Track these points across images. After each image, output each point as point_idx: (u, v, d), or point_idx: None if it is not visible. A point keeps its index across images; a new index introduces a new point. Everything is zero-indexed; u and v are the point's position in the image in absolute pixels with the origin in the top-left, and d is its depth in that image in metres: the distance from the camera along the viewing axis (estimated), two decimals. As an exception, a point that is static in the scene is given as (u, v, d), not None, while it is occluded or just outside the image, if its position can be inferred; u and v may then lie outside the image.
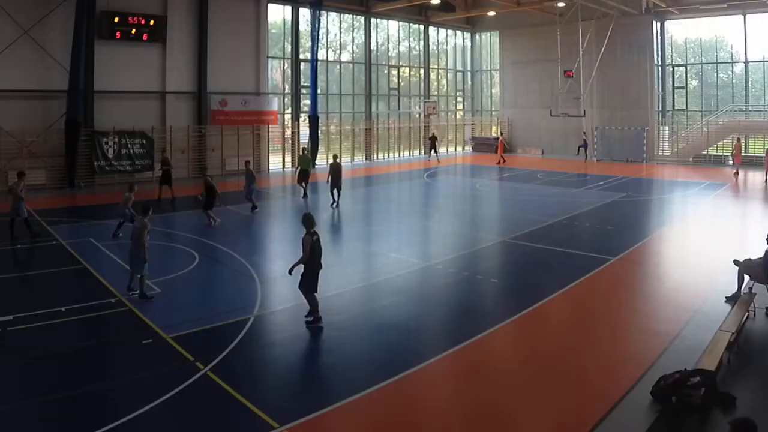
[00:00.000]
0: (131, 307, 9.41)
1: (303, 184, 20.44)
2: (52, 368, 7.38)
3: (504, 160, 31.59)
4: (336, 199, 18.68)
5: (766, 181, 23.89)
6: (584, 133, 33.11)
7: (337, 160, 19.34)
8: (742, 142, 27.96)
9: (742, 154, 27.26)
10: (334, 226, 16.78)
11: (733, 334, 7.57)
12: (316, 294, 8.82)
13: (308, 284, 8.76)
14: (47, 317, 8.87)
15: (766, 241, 9.30)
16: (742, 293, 9.37)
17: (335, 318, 9.29)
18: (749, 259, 9.75)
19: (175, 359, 7.59)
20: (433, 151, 33.13)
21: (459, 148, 40.15)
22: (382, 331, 8.74)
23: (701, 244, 14.51)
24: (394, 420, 6.33)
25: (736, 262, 9.79)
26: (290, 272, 8.81)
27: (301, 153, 22.32)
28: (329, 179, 18.69)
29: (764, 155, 25.67)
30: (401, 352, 7.96)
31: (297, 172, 21.37)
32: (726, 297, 9.61)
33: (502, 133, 37.03)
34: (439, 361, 7.69)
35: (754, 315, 8.98)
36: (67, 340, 8.35)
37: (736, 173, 25.88)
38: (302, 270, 8.77)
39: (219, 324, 8.78)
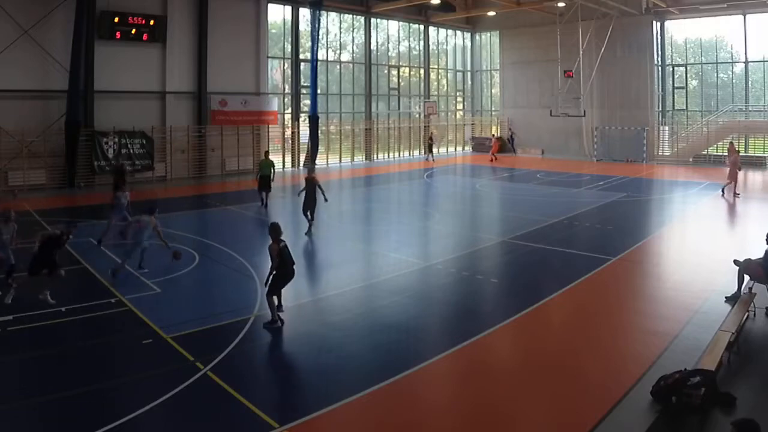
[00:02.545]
0: (131, 307, 9.41)
1: (263, 193, 18.62)
2: (52, 368, 7.39)
3: (494, 159, 32.49)
4: (309, 222, 15.19)
5: (728, 186, 20.96)
6: (510, 128, 35.46)
7: (313, 175, 15.80)
8: (735, 144, 27.84)
9: (740, 154, 27.21)
10: (333, 226, 16.74)
11: (733, 334, 7.57)
12: (275, 297, 8.90)
13: (271, 288, 8.80)
14: (47, 317, 8.88)
15: (765, 241, 9.30)
16: (742, 293, 9.37)
17: (335, 318, 9.30)
18: (749, 259, 9.75)
19: (175, 359, 7.58)
20: (431, 151, 33.38)
21: (459, 148, 40.17)
22: (382, 331, 8.74)
23: (701, 244, 14.51)
24: (395, 420, 6.32)
25: (736, 262, 9.78)
26: (266, 284, 8.85)
27: (263, 157, 19.70)
28: (303, 199, 15.48)
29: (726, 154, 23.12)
30: (401, 352, 7.96)
31: (257, 178, 19.02)
32: (726, 297, 9.61)
33: (494, 134, 37.52)
34: (439, 361, 7.69)
35: (754, 315, 8.98)
36: (67, 340, 8.34)
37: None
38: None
39: (219, 324, 8.78)
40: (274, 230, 8.95)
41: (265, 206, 18.70)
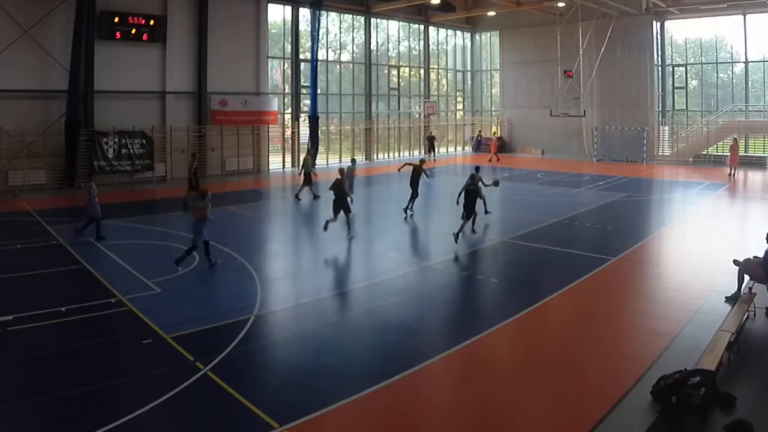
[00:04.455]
0: (131, 307, 9.41)
1: (307, 186, 20.39)
2: (52, 368, 7.38)
3: (497, 159, 32.74)
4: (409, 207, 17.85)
5: (730, 174, 25.52)
6: (479, 134, 38.63)
7: (423, 166, 18.70)
8: (740, 142, 27.92)
9: (740, 154, 27.27)
10: (334, 227, 16.71)
11: (733, 334, 7.57)
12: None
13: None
14: (47, 317, 8.87)
15: (766, 241, 9.30)
16: (742, 293, 9.37)
17: (335, 318, 9.31)
18: (749, 259, 9.75)
19: (175, 359, 7.58)
20: (431, 151, 33.38)
21: (459, 148, 40.18)
22: (382, 331, 8.74)
23: (701, 244, 14.50)
24: (394, 420, 6.33)
25: (736, 262, 9.78)
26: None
27: (306, 155, 22.19)
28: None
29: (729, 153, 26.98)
30: (401, 352, 7.96)
31: (301, 174, 21.16)
32: (726, 297, 9.61)
33: (495, 133, 37.66)
34: (439, 361, 7.69)
35: (754, 315, 8.98)
36: (67, 340, 8.34)
37: (732, 174, 25.81)
38: None
39: (219, 324, 8.77)
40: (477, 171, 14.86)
41: (314, 197, 20.25)
